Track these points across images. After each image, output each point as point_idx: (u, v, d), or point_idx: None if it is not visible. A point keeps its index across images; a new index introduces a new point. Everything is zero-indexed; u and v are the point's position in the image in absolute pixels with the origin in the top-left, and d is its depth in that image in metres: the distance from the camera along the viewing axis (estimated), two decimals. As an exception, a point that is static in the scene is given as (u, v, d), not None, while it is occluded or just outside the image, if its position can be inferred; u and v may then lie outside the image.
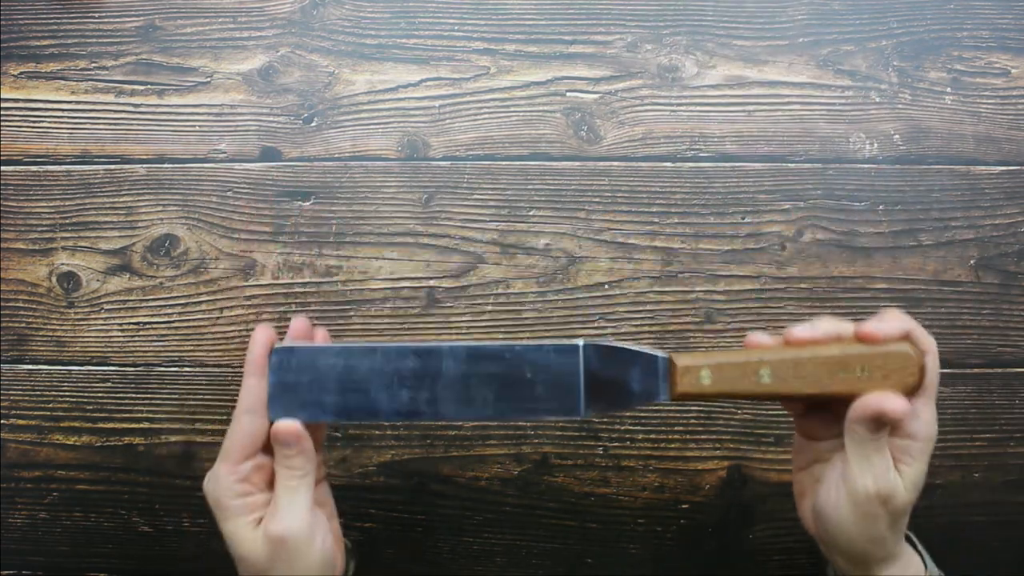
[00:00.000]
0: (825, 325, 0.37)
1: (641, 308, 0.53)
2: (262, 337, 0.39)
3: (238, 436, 0.39)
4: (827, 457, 0.39)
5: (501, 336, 0.53)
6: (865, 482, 0.35)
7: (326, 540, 0.39)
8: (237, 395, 0.39)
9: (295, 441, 0.38)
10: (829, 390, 0.37)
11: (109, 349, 0.53)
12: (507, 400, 0.40)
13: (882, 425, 0.35)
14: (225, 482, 0.38)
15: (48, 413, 0.53)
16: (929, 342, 0.37)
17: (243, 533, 0.38)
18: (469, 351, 0.40)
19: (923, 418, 0.36)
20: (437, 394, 0.40)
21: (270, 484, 0.39)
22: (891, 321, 0.37)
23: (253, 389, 0.39)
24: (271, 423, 0.38)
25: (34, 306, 0.54)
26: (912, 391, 0.36)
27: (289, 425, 0.38)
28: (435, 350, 0.40)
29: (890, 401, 0.34)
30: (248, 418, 0.39)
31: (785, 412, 0.52)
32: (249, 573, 0.38)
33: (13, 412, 0.54)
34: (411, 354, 0.40)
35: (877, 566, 0.38)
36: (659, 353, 0.39)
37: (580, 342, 0.40)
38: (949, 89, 0.54)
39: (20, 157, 0.54)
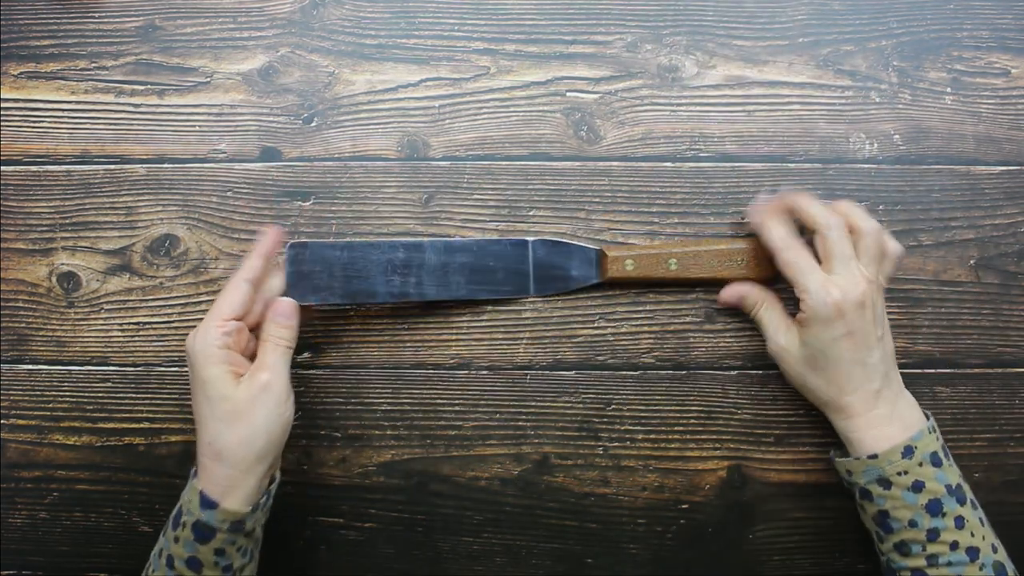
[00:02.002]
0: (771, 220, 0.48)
1: (641, 308, 0.53)
2: (273, 234, 0.48)
3: (231, 298, 0.45)
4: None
5: (501, 337, 0.53)
6: (771, 339, 0.49)
7: (291, 407, 0.45)
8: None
9: (293, 314, 0.46)
10: (719, 275, 0.51)
11: (109, 349, 0.53)
12: (475, 283, 0.52)
13: (733, 304, 0.51)
14: (213, 333, 0.44)
15: (48, 413, 0.53)
16: (782, 254, 0.47)
17: (226, 378, 0.43)
18: (446, 245, 0.51)
19: (809, 291, 0.45)
20: (422, 279, 0.51)
21: (245, 353, 0.46)
22: (761, 225, 0.48)
23: (254, 266, 0.47)
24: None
25: (34, 306, 0.54)
26: (777, 276, 0.48)
27: (291, 301, 0.47)
28: (419, 244, 0.51)
29: (723, 292, 0.51)
30: (245, 286, 0.46)
31: (785, 412, 0.52)
32: (222, 411, 0.43)
33: (13, 412, 0.54)
34: (401, 247, 0.50)
35: (830, 412, 0.47)
36: (593, 246, 0.52)
37: (529, 238, 0.52)
38: (949, 89, 0.54)
39: (20, 157, 0.54)
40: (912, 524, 0.43)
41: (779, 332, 0.49)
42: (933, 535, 0.43)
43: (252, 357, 0.46)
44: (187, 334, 0.45)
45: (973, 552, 0.43)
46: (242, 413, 0.43)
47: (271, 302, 0.47)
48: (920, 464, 0.44)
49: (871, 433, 0.45)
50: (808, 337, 0.46)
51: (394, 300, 0.51)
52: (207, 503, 0.43)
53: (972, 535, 0.43)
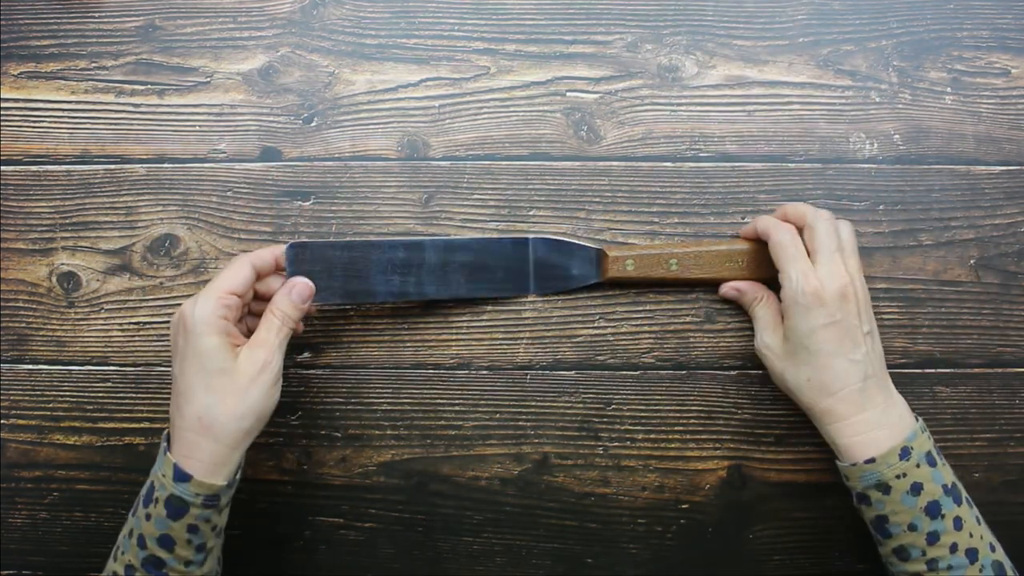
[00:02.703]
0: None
1: (641, 308, 0.53)
2: (283, 250, 0.48)
3: (234, 275, 0.45)
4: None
5: (501, 337, 0.53)
6: (758, 337, 0.49)
7: (280, 391, 0.45)
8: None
9: (308, 297, 0.47)
10: (719, 275, 0.51)
11: (109, 349, 0.53)
12: (475, 282, 0.51)
13: (732, 299, 0.52)
14: (212, 304, 0.43)
15: (48, 413, 0.53)
16: (774, 229, 0.47)
17: (225, 349, 0.43)
18: (446, 243, 0.51)
19: (789, 277, 0.45)
20: (422, 278, 0.50)
21: (239, 328, 0.46)
22: (760, 222, 0.49)
23: (263, 256, 0.47)
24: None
25: (34, 306, 0.54)
26: (775, 274, 0.47)
27: (308, 283, 0.47)
28: (419, 243, 0.51)
29: (723, 287, 0.51)
30: (249, 269, 0.46)
31: (785, 412, 0.52)
32: (218, 384, 0.43)
33: (13, 412, 0.54)
34: (401, 247, 0.50)
35: (818, 415, 0.46)
36: (593, 246, 0.52)
37: (530, 236, 0.52)
38: (949, 89, 0.54)
39: (20, 157, 0.54)
40: (912, 528, 0.43)
41: (767, 329, 0.49)
42: (933, 538, 0.43)
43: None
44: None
45: (972, 553, 0.43)
46: (239, 388, 0.43)
47: (288, 280, 0.47)
48: (917, 465, 0.43)
49: (861, 438, 0.44)
50: (789, 328, 0.46)
51: (394, 299, 0.51)
52: (181, 476, 0.42)
53: (971, 536, 0.43)
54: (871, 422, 0.44)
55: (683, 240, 0.53)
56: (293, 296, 0.46)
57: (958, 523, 0.43)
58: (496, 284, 0.52)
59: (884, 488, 0.43)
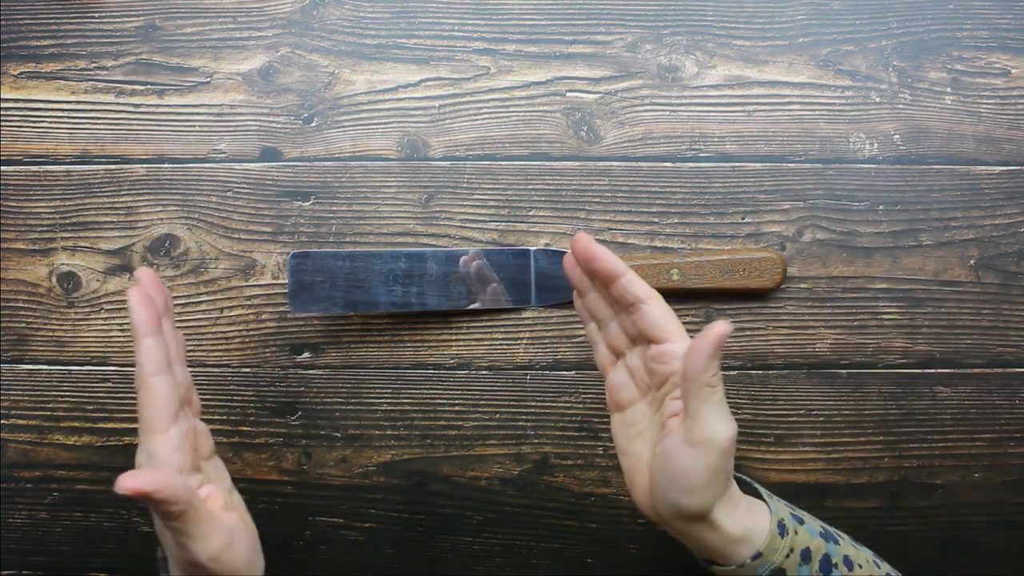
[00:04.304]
0: None
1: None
2: (142, 294, 0.37)
3: (156, 401, 0.36)
4: (643, 432, 0.40)
5: (501, 337, 0.53)
6: (717, 429, 0.36)
7: (247, 538, 0.39)
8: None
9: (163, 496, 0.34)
10: (722, 285, 0.51)
11: (109, 349, 0.53)
12: (476, 293, 0.52)
13: (720, 344, 0.36)
14: (163, 459, 0.36)
15: (48, 413, 0.53)
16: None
17: (213, 527, 0.36)
18: (447, 255, 0.51)
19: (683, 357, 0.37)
20: (424, 289, 0.51)
21: (197, 453, 0.38)
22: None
23: (153, 349, 0.37)
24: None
25: (34, 306, 0.54)
26: (778, 285, 0.48)
27: (131, 482, 0.34)
28: (421, 254, 0.51)
29: (719, 326, 0.36)
30: (159, 379, 0.36)
31: (785, 412, 0.52)
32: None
33: (13, 412, 0.54)
34: (403, 257, 0.51)
35: (720, 507, 0.38)
36: None
37: (532, 248, 0.52)
38: (949, 89, 0.54)
39: (20, 157, 0.54)
40: None
41: (730, 418, 0.38)
42: None
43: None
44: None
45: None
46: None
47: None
48: (795, 532, 0.39)
49: (750, 521, 0.39)
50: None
51: (396, 309, 0.52)
52: None
53: (860, 567, 0.40)
54: (746, 508, 0.40)
55: (682, 239, 0.53)
56: (160, 507, 0.35)
57: (848, 562, 0.40)
58: (498, 295, 0.52)
59: (780, 574, 0.39)
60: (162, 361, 0.37)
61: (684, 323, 0.53)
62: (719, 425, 0.37)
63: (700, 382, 0.36)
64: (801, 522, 0.40)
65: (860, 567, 0.41)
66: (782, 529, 0.39)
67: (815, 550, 0.39)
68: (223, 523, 0.37)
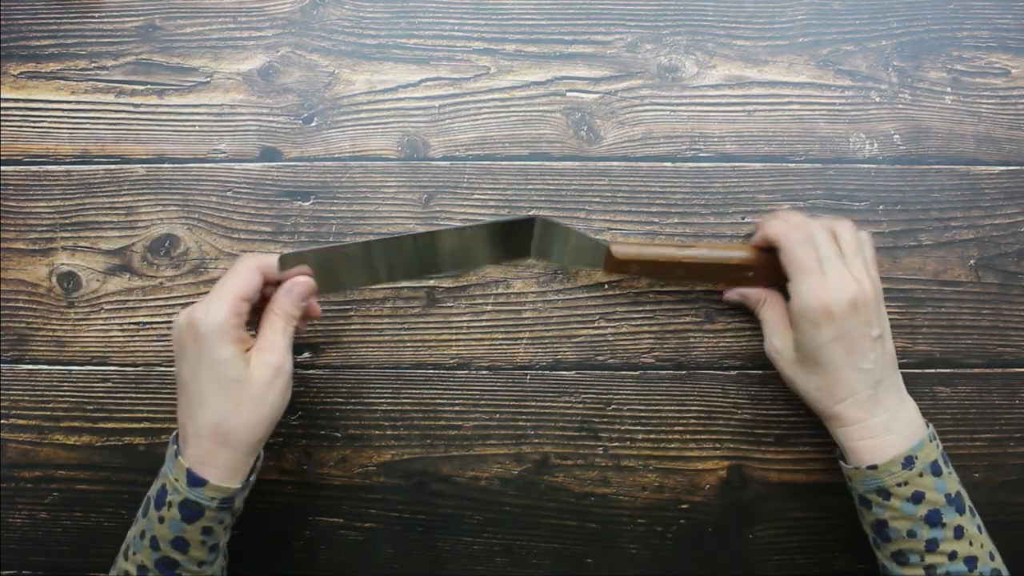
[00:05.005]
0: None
1: (641, 308, 0.53)
2: (302, 285, 0.47)
3: (245, 280, 0.44)
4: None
5: (501, 337, 0.53)
6: (767, 341, 0.49)
7: (291, 391, 0.46)
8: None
9: (308, 295, 0.46)
10: (728, 283, 0.51)
11: (109, 349, 0.53)
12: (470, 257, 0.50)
13: (737, 303, 0.51)
14: (225, 312, 0.43)
15: (48, 413, 0.53)
16: (786, 239, 0.46)
17: (240, 358, 0.43)
18: (439, 233, 0.49)
19: (800, 294, 0.45)
20: (411, 265, 0.49)
21: (246, 331, 0.45)
22: (771, 230, 0.47)
23: (269, 261, 0.46)
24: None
25: (34, 306, 0.54)
26: (783, 279, 0.47)
27: (309, 281, 0.46)
28: (402, 237, 0.49)
29: (727, 294, 0.52)
30: (258, 275, 0.45)
31: (785, 412, 0.52)
32: (234, 393, 0.43)
33: (13, 412, 0.54)
34: (384, 242, 0.49)
35: (827, 420, 0.46)
36: (601, 242, 0.50)
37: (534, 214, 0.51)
38: (949, 89, 0.54)
39: (20, 157, 0.54)
40: (911, 535, 0.43)
41: (776, 334, 0.49)
42: (932, 545, 0.43)
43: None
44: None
45: (971, 562, 0.43)
46: (255, 398, 0.43)
47: (289, 280, 0.46)
48: (920, 475, 0.43)
49: (868, 443, 0.44)
50: (800, 338, 0.46)
51: (386, 283, 0.51)
52: (196, 480, 0.42)
53: (970, 544, 0.43)
54: (878, 427, 0.44)
55: (683, 240, 0.53)
56: (294, 294, 0.46)
57: (959, 532, 0.43)
58: (495, 253, 0.51)
59: (884, 494, 0.43)
60: (266, 268, 0.46)
61: (684, 323, 0.53)
62: (767, 338, 0.50)
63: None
64: (938, 474, 0.44)
65: (970, 544, 0.43)
66: (909, 463, 0.43)
67: (929, 501, 0.43)
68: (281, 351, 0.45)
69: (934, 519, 0.43)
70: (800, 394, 0.48)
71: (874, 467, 0.43)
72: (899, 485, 0.43)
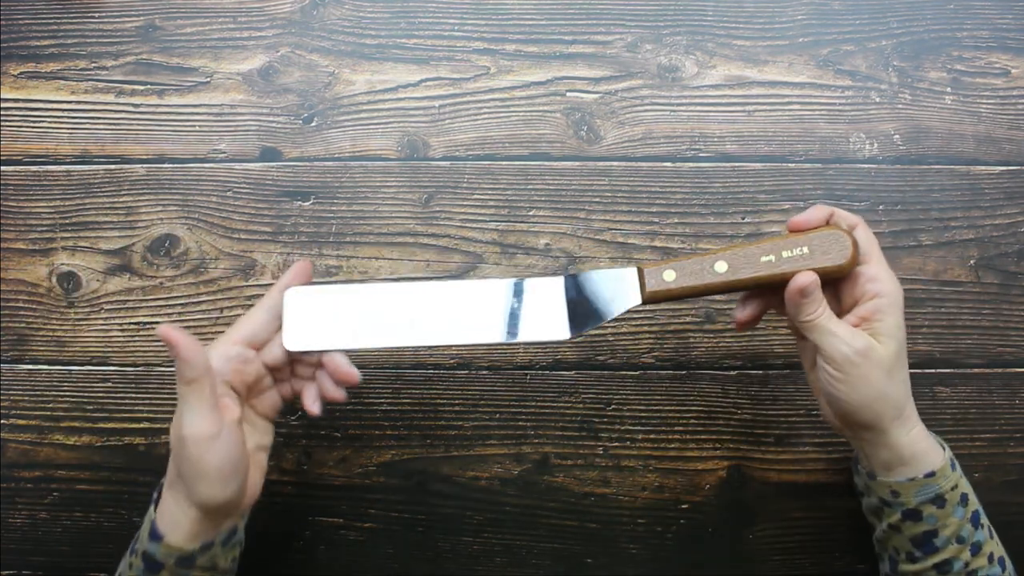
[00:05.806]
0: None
1: (641, 308, 0.53)
2: (301, 267, 0.44)
3: (251, 322, 0.42)
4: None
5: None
6: (840, 349, 0.39)
7: (230, 451, 0.40)
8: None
9: (171, 342, 0.38)
10: (779, 271, 0.41)
11: (109, 349, 0.53)
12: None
13: (807, 295, 0.40)
14: (222, 349, 0.41)
15: (48, 413, 0.53)
16: (853, 219, 0.42)
17: (209, 412, 0.38)
18: (472, 287, 0.43)
19: (880, 277, 0.40)
20: (435, 323, 0.43)
21: (238, 385, 0.42)
22: (814, 211, 0.42)
23: (277, 299, 0.43)
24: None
25: (34, 306, 0.54)
26: (854, 262, 0.40)
27: (167, 329, 0.38)
28: (428, 288, 0.44)
29: (802, 276, 0.40)
30: (266, 315, 0.42)
31: (785, 412, 0.52)
32: (178, 455, 0.39)
33: (13, 412, 0.54)
34: (410, 292, 0.43)
35: (892, 425, 0.41)
36: (628, 268, 0.44)
37: (561, 277, 0.44)
38: (949, 89, 0.54)
39: (20, 157, 0.54)
40: (959, 540, 0.41)
41: (854, 335, 0.40)
42: (976, 548, 0.41)
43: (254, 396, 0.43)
44: (186, 333, 0.43)
45: (1002, 562, 0.42)
46: (193, 461, 0.39)
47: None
48: (962, 474, 0.42)
49: (923, 446, 0.41)
50: (894, 332, 0.40)
51: (407, 345, 0.44)
52: (155, 534, 0.40)
53: (997, 543, 0.42)
54: (923, 431, 0.42)
55: (682, 239, 0.53)
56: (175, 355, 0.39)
57: (991, 532, 0.43)
58: (527, 327, 0.43)
59: (940, 502, 0.41)
60: (274, 307, 0.43)
61: (684, 323, 0.53)
62: (841, 346, 0.40)
63: (802, 326, 0.41)
64: (962, 473, 0.43)
65: (997, 543, 0.43)
66: (953, 464, 0.42)
67: (972, 501, 0.42)
68: (221, 417, 0.39)
69: (976, 520, 0.42)
70: (872, 399, 0.40)
71: (931, 474, 0.40)
72: (952, 489, 0.41)
